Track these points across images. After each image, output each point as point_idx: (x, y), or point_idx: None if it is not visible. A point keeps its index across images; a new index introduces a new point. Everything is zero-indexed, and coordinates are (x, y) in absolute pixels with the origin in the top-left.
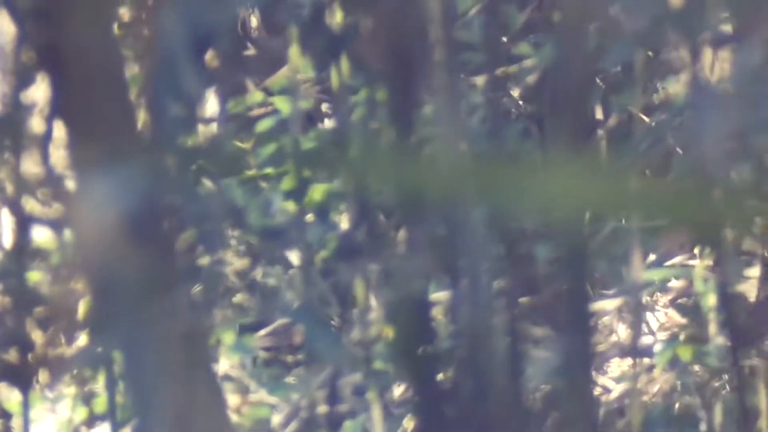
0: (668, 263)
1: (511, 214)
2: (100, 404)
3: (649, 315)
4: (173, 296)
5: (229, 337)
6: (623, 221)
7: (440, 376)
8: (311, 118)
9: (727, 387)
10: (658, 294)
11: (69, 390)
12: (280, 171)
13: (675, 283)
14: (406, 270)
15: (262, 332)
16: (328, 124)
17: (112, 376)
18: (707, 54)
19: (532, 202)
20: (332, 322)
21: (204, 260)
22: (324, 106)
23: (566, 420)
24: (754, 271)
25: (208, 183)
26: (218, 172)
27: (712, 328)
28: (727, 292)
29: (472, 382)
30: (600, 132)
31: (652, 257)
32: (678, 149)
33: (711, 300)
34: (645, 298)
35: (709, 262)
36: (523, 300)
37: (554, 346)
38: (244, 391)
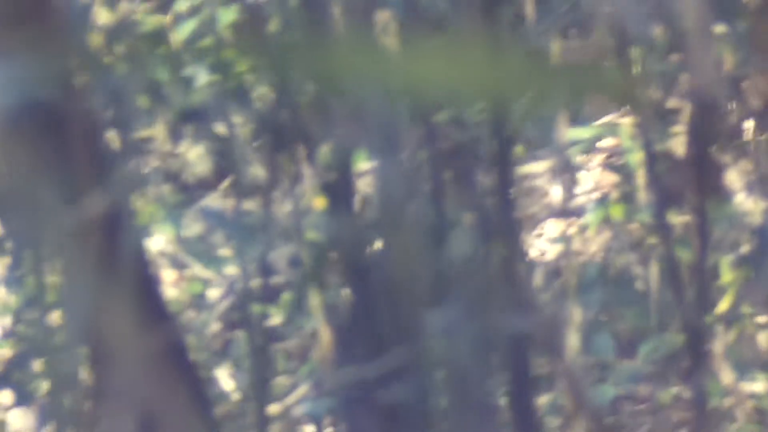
0: (596, 123)
1: (430, 88)
2: (29, 287)
3: (580, 175)
4: (96, 181)
5: (160, 214)
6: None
7: (369, 247)
8: None
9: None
10: (589, 154)
11: None
12: (201, 47)
13: (605, 143)
14: (330, 143)
15: (194, 207)
16: None
17: (39, 258)
18: None
19: (450, 78)
20: (263, 195)
21: (127, 140)
22: None
23: (496, 285)
24: (680, 128)
25: (128, 61)
26: (139, 50)
27: (642, 185)
28: (652, 150)
29: (400, 252)
30: None
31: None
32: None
33: (639, 157)
34: (576, 158)
35: (635, 120)
36: (447, 168)
37: (480, 212)
38: (179, 266)
